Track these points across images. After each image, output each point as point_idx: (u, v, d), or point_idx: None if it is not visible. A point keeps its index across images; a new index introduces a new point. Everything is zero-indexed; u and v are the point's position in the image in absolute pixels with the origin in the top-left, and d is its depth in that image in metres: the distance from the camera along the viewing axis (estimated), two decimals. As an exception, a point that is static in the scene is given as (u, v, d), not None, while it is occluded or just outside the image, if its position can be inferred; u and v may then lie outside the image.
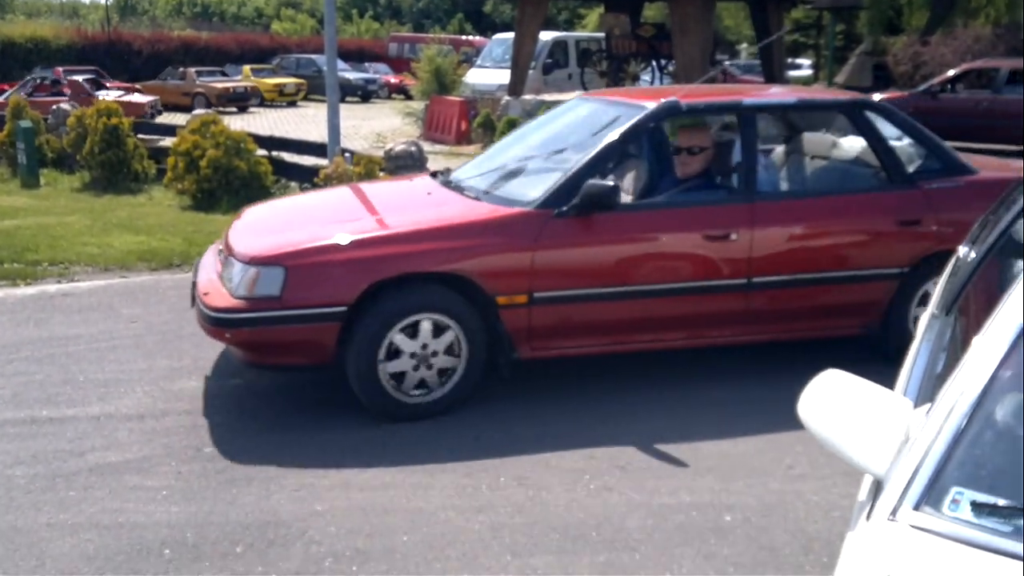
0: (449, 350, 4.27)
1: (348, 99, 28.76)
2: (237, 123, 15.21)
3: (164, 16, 57.41)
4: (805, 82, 21.99)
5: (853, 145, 5.23)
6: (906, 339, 4.81)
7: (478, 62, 22.73)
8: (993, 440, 1.64)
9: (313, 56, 34.56)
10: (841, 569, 1.66)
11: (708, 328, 4.68)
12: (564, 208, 4.35)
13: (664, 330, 4.61)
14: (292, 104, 30.43)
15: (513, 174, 5.02)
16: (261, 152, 11.05)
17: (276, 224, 4.84)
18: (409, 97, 25.22)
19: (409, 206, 4.90)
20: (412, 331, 4.19)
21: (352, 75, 32.18)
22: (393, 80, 33.66)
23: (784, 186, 5.11)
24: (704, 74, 14.74)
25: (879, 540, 1.59)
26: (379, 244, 4.24)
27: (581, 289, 4.41)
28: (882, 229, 4.82)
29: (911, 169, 5.02)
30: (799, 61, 27.64)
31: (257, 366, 4.41)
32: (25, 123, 11.78)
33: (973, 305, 2.52)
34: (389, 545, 3.23)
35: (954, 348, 2.24)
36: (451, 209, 4.58)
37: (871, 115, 5.01)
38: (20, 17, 50.37)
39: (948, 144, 5.20)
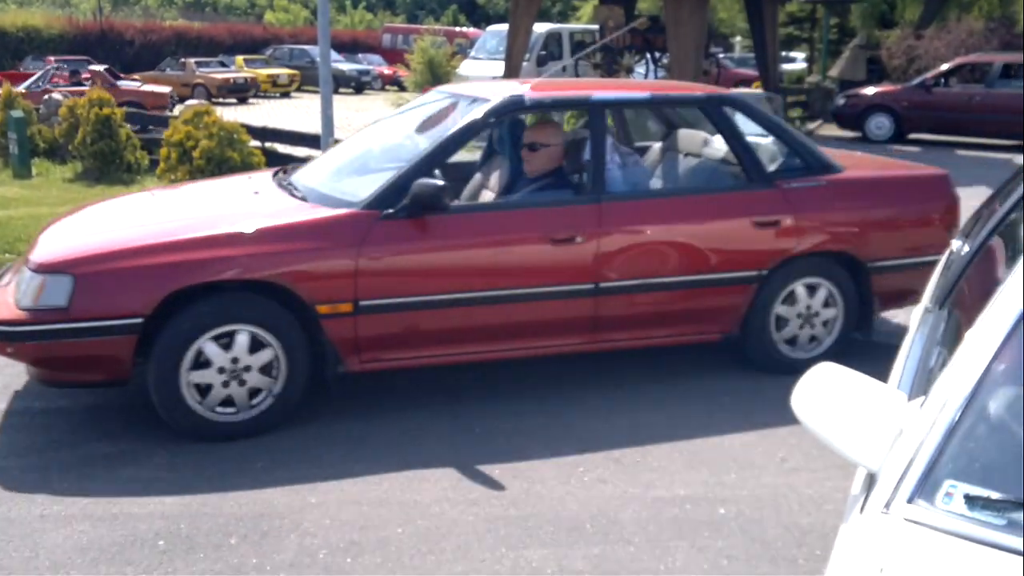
0: (266, 369, 3.97)
1: (341, 90, 28.70)
2: (231, 114, 15.17)
3: (156, 6, 57.14)
4: (799, 76, 21.99)
5: (724, 143, 5.04)
6: (768, 344, 4.71)
7: (472, 54, 22.68)
8: (987, 433, 1.65)
9: (306, 47, 34.44)
10: (835, 562, 1.67)
11: (554, 336, 4.42)
12: (392, 209, 4.09)
13: (506, 339, 4.35)
14: (285, 95, 30.33)
15: (351, 172, 4.72)
16: (255, 143, 11.01)
17: (83, 227, 4.43)
18: (403, 88, 25.16)
19: (229, 208, 4.54)
20: (228, 341, 3.89)
21: (346, 66, 32.10)
22: (387, 71, 33.57)
23: (636, 186, 4.84)
24: (698, 67, 14.76)
25: (873, 533, 1.59)
26: (180, 249, 3.88)
27: (413, 296, 4.12)
28: (738, 230, 4.59)
29: (772, 168, 4.85)
30: (793, 55, 27.63)
31: (51, 384, 4.07)
32: (16, 113, 11.71)
33: (967, 298, 2.53)
34: (383, 537, 3.24)
35: (948, 341, 2.25)
36: (271, 211, 4.27)
37: (729, 111, 4.80)
38: (11, 6, 50.08)
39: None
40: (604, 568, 3.07)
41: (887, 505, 1.61)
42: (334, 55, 24.45)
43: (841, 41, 23.46)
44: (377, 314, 4.08)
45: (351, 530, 3.28)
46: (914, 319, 2.88)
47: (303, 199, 4.37)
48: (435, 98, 5.27)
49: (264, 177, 5.05)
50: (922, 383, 2.12)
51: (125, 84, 21.01)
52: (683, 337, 4.66)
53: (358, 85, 31.97)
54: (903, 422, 1.78)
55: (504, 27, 18.59)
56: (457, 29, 38.32)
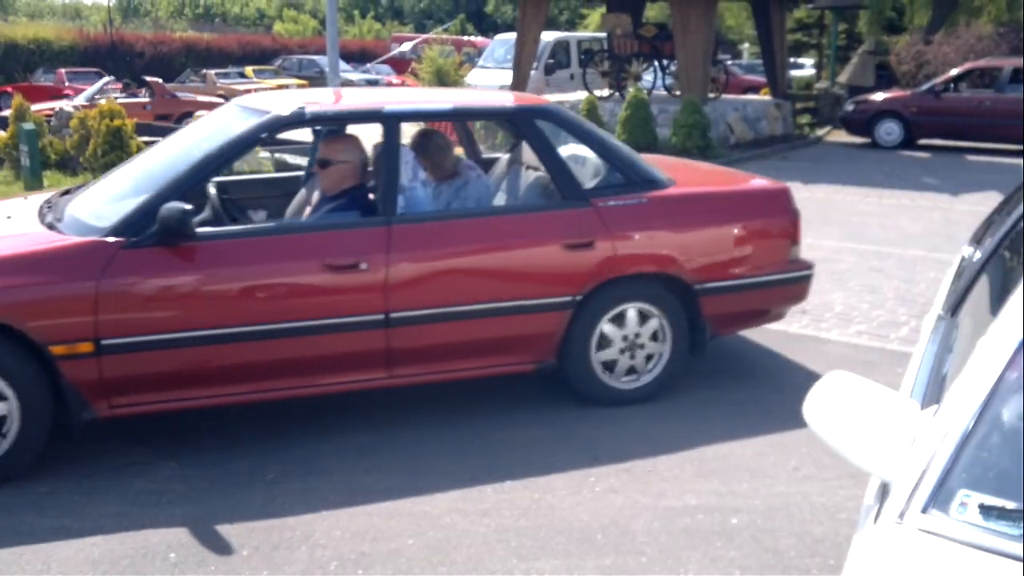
0: None
1: (350, 100, 28.64)
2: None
3: (166, 17, 57.45)
4: (807, 82, 21.94)
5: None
6: (588, 373, 4.41)
7: (480, 63, 22.73)
8: (1000, 442, 1.63)
9: (315, 57, 34.54)
10: (848, 572, 1.65)
11: (342, 372, 4.06)
12: (138, 237, 3.73)
13: (284, 376, 3.98)
14: (295, 105, 30.33)
15: (124, 195, 4.18)
16: (264, 154, 11.05)
17: None
18: (411, 98, 25.16)
19: None
20: None
21: (354, 76, 32.18)
22: (395, 81, 33.65)
23: (433, 205, 4.52)
24: (706, 74, 14.75)
25: (886, 543, 1.58)
26: None
27: (166, 333, 3.74)
28: (547, 253, 4.25)
29: (591, 185, 4.50)
30: (801, 61, 27.59)
31: None
32: (28, 125, 11.78)
33: (979, 305, 2.52)
34: (394, 548, 3.23)
35: (960, 349, 2.24)
36: (7, 239, 3.89)
37: (542, 124, 4.45)
38: (22, 18, 50.37)
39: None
40: (616, 578, 3.05)
41: (901, 515, 1.60)
42: (343, 65, 24.52)
43: (850, 47, 23.42)
44: (125, 354, 3.70)
45: (362, 541, 3.27)
46: (926, 327, 2.87)
47: (51, 226, 3.97)
48: (226, 110, 4.76)
49: (35, 200, 4.57)
50: (935, 391, 2.11)
51: (184, 95, 21.08)
52: (493, 368, 4.32)
53: (367, 95, 31.96)
54: (916, 431, 1.77)
55: (512, 36, 18.63)
56: (465, 38, 38.40)
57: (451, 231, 4.24)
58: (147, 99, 19.07)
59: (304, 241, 4.06)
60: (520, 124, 4.54)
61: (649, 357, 4.49)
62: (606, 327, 4.38)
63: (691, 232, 4.50)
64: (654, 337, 4.47)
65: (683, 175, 4.94)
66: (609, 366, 4.45)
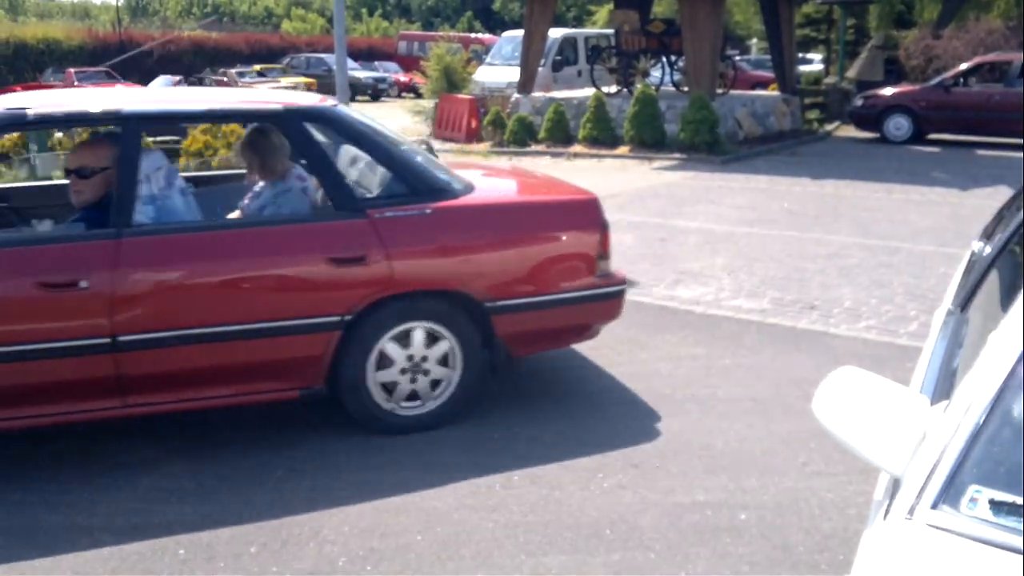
0: None
1: (358, 98, 28.77)
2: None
3: (174, 16, 57.58)
4: (816, 77, 21.88)
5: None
6: (365, 399, 4.03)
7: (488, 60, 22.74)
8: (1011, 437, 1.62)
9: (323, 55, 34.62)
10: (858, 568, 1.65)
11: (66, 401, 3.68)
12: None
13: None
14: (302, 103, 30.38)
15: None
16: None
17: None
18: (419, 96, 25.28)
19: None
20: None
21: (362, 74, 32.24)
22: (403, 79, 33.70)
23: (178, 216, 4.02)
24: (714, 70, 14.72)
25: (896, 539, 1.58)
26: None
27: None
28: (310, 269, 3.88)
29: (372, 194, 4.15)
30: (810, 56, 27.52)
31: None
32: (37, 125, 11.82)
33: (989, 301, 2.50)
34: (403, 544, 3.23)
35: (970, 344, 2.23)
36: None
37: (313, 127, 4.12)
38: (32, 18, 50.61)
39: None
40: (624, 575, 3.05)
41: (911, 511, 1.59)
42: (350, 63, 24.55)
43: (858, 42, 23.35)
44: None
45: (370, 537, 3.28)
46: (936, 322, 2.85)
47: None
48: None
49: None
50: (945, 386, 2.10)
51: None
52: (250, 396, 3.95)
53: (375, 93, 32.07)
54: (927, 426, 1.76)
55: (519, 33, 18.63)
56: (472, 35, 38.40)
57: (196, 245, 3.86)
58: None
59: (15, 256, 3.65)
60: (286, 127, 4.15)
61: (436, 383, 4.16)
62: (388, 346, 4.03)
63: (481, 245, 4.16)
64: (443, 362, 4.14)
65: (490, 184, 4.70)
66: (389, 390, 4.10)
